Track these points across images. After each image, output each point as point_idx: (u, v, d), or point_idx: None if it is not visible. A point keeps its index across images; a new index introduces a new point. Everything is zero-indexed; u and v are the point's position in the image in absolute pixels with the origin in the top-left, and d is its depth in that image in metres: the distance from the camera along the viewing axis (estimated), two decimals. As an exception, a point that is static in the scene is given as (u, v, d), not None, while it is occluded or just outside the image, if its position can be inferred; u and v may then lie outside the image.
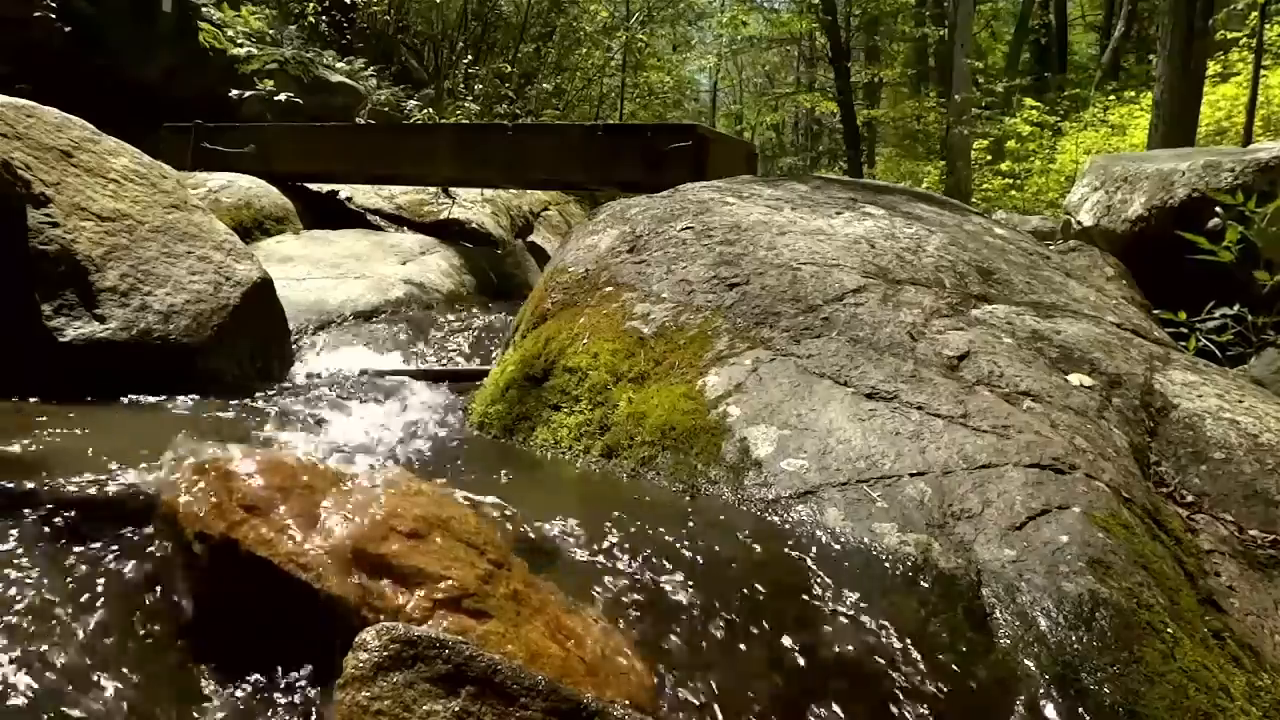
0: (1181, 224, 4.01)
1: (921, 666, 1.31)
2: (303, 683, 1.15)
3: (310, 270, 4.60)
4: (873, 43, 19.92)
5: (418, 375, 3.30)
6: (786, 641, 1.32)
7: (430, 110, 9.09)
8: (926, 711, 1.25)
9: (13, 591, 1.23)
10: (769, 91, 23.67)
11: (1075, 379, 2.02)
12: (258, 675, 1.16)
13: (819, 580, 1.46)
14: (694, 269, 2.41)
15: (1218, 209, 3.56)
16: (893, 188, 3.73)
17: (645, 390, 2.10)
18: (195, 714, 1.12)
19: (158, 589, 1.26)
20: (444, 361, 3.90)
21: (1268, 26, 8.59)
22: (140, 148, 3.21)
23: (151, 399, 2.51)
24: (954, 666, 1.33)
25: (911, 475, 1.67)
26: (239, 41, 7.34)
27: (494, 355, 3.47)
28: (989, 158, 14.79)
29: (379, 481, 1.37)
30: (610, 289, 2.45)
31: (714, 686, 1.23)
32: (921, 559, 1.50)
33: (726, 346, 2.12)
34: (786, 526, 1.62)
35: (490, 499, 1.55)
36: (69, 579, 1.27)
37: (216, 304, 2.88)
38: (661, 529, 1.54)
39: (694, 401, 1.98)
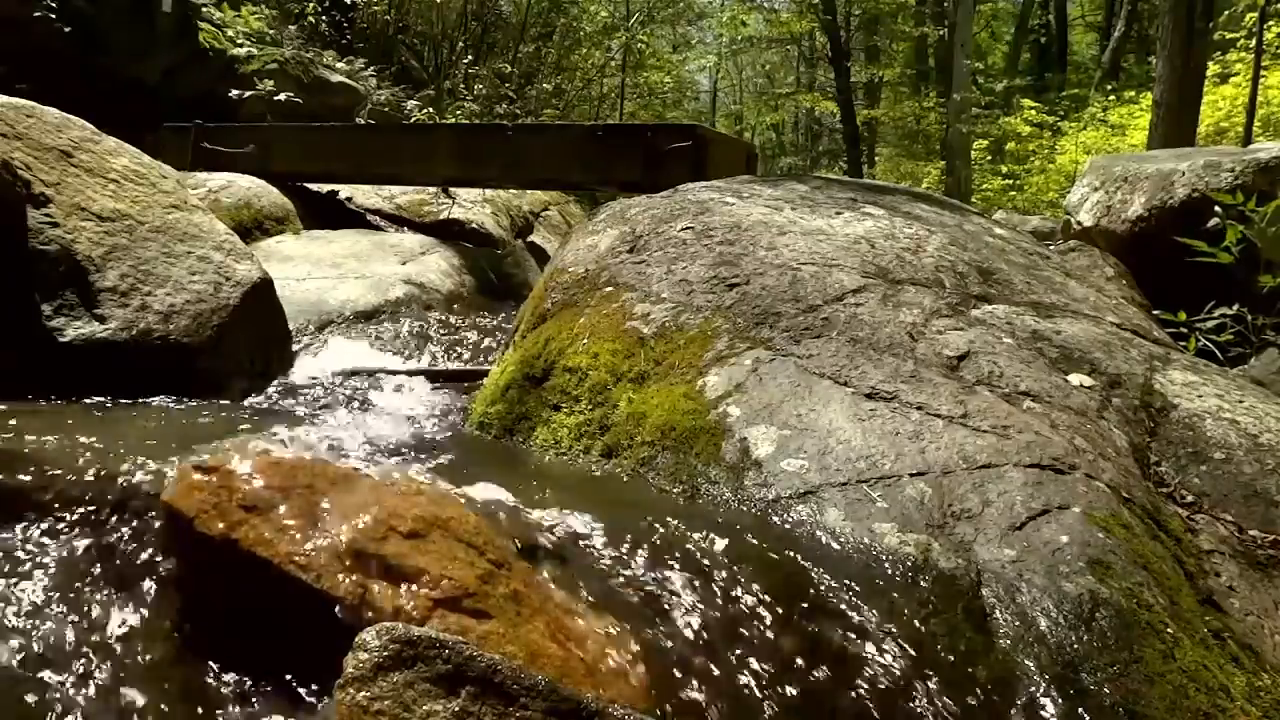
0: (1181, 224, 4.00)
1: (921, 666, 1.31)
2: (302, 683, 1.15)
3: (310, 270, 4.60)
4: (873, 42, 19.92)
5: (417, 375, 3.30)
6: (786, 642, 1.32)
7: (430, 110, 9.09)
8: (927, 711, 1.25)
9: (12, 591, 1.23)
10: (769, 91, 23.66)
11: (1075, 379, 2.02)
12: (257, 675, 1.16)
13: (819, 580, 1.46)
14: (694, 269, 2.41)
15: (1216, 208, 3.55)
16: (893, 188, 3.73)
17: (645, 390, 2.10)
18: (194, 714, 1.12)
19: (157, 589, 1.26)
20: (444, 361, 3.90)
21: (1267, 27, 8.59)
22: (140, 148, 3.21)
23: (151, 399, 2.51)
24: (954, 666, 1.33)
25: (911, 475, 1.67)
26: (239, 41, 7.34)
27: (494, 355, 3.48)
28: (989, 158, 14.80)
29: (379, 481, 1.37)
30: (610, 289, 2.45)
31: (713, 687, 1.23)
32: (921, 559, 1.50)
33: (726, 346, 2.12)
34: (787, 527, 1.62)
35: (490, 499, 1.55)
36: (68, 578, 1.27)
37: (216, 304, 2.88)
38: (661, 529, 1.54)
39: (694, 401, 1.98)
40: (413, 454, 2.16)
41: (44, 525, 1.36)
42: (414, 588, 1.18)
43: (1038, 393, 1.93)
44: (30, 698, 1.10)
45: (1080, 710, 1.27)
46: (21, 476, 1.47)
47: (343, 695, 0.99)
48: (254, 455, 1.33)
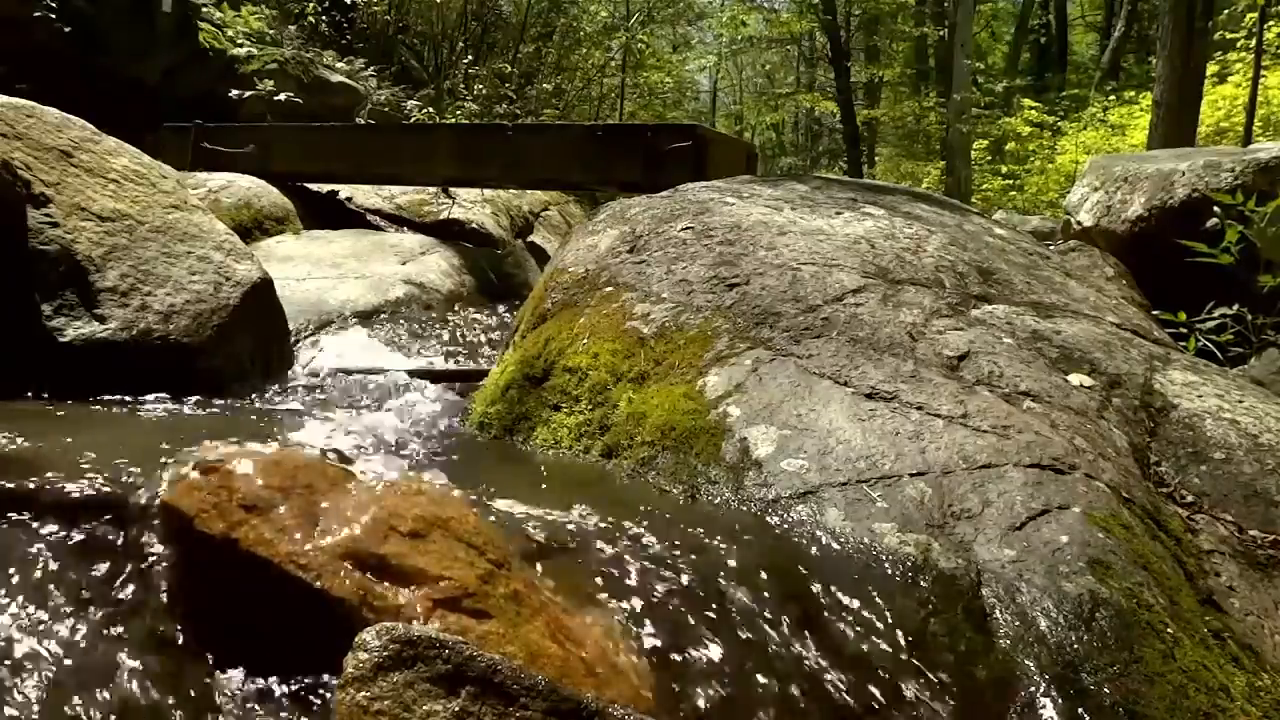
0: (1181, 224, 4.00)
1: (921, 667, 1.31)
2: (302, 683, 1.15)
3: (310, 270, 4.60)
4: (873, 42, 19.92)
5: (417, 375, 3.30)
6: (786, 641, 1.32)
7: (430, 110, 9.09)
8: (927, 712, 1.25)
9: (12, 592, 1.23)
10: (769, 91, 23.66)
11: (1075, 379, 2.02)
12: (257, 675, 1.16)
13: (819, 580, 1.46)
14: (694, 269, 2.41)
15: (1216, 208, 3.55)
16: (893, 188, 3.73)
17: (645, 390, 2.10)
18: (194, 714, 1.12)
19: (157, 589, 1.26)
20: (444, 361, 3.90)
21: (1267, 27, 8.59)
22: (140, 148, 3.21)
23: (152, 399, 2.51)
24: (954, 666, 1.33)
25: (911, 475, 1.67)
26: (239, 41, 7.33)
27: (494, 355, 3.48)
28: (989, 158, 14.81)
29: (379, 481, 1.37)
30: (610, 289, 2.45)
31: (713, 686, 1.23)
32: (921, 559, 1.50)
33: (726, 346, 2.12)
34: (787, 527, 1.62)
35: (490, 499, 1.55)
36: (68, 579, 1.27)
37: (216, 304, 2.88)
38: (661, 529, 1.54)
39: (694, 401, 1.98)
40: (413, 454, 2.16)
41: (43, 525, 1.36)
42: (414, 588, 1.18)
43: (1038, 393, 1.93)
44: (29, 699, 1.10)
45: (1080, 710, 1.27)
46: (21, 476, 1.47)
47: (343, 695, 0.99)
48: (254, 455, 1.33)
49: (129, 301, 2.68)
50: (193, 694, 1.15)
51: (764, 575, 1.45)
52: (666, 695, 1.20)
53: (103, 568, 1.29)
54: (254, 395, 2.90)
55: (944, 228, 2.74)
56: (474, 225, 6.74)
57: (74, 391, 2.42)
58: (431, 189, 6.81)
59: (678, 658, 1.26)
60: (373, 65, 9.31)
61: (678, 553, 1.47)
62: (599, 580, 1.38)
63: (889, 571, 1.48)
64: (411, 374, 3.31)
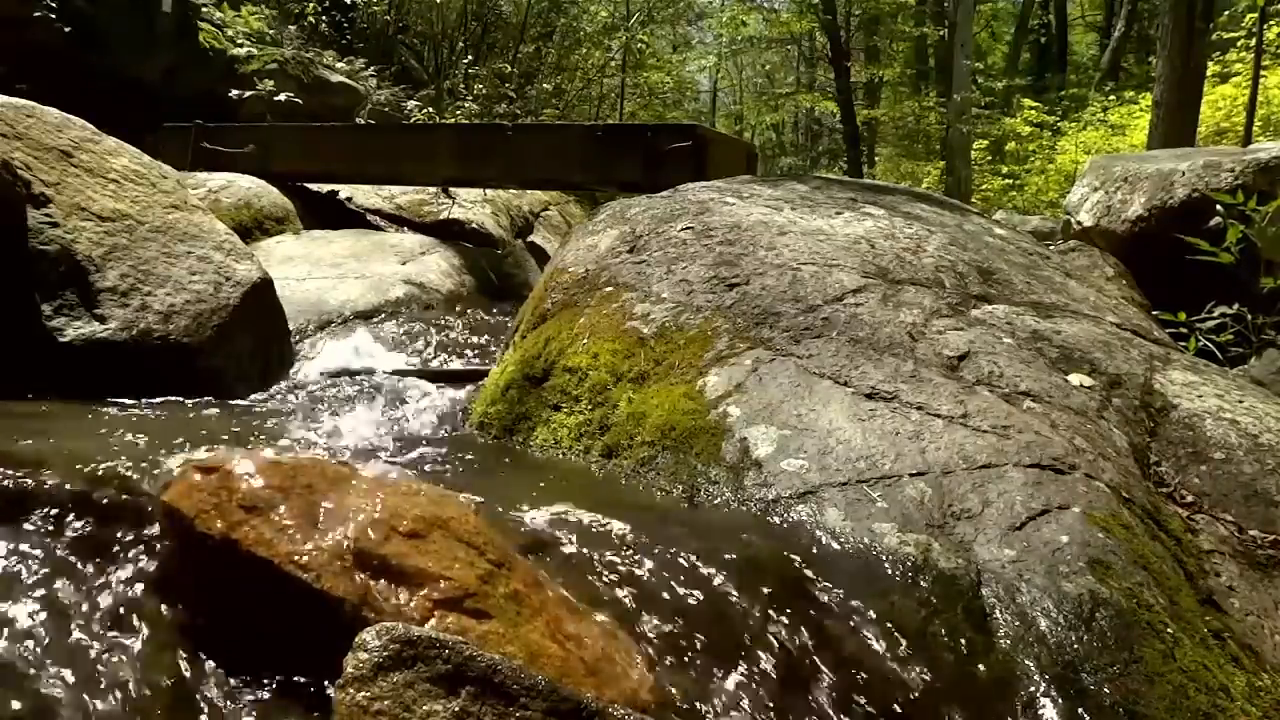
0: (1181, 224, 4.01)
1: (922, 667, 1.31)
2: (302, 683, 1.15)
3: (310, 270, 4.60)
4: (873, 42, 19.91)
5: (417, 375, 3.30)
6: (787, 642, 1.32)
7: (430, 110, 9.09)
8: (927, 712, 1.25)
9: (12, 592, 1.23)
10: (769, 91, 23.65)
11: (1075, 379, 2.02)
12: (257, 675, 1.16)
13: (819, 580, 1.46)
14: (694, 269, 2.41)
15: (1218, 208, 3.56)
16: (893, 188, 3.72)
17: (645, 390, 2.10)
18: (195, 714, 1.12)
19: (157, 589, 1.26)
20: (444, 361, 3.90)
21: (1267, 27, 8.59)
22: (140, 148, 3.21)
23: (151, 399, 2.51)
24: (954, 666, 1.33)
25: (911, 475, 1.67)
26: (239, 41, 7.34)
27: (494, 355, 3.48)
28: (989, 158, 14.81)
29: (379, 481, 1.37)
30: (610, 289, 2.45)
31: (714, 687, 1.23)
32: (921, 559, 1.50)
33: (726, 346, 2.12)
34: (786, 527, 1.62)
35: (490, 499, 1.55)
36: (68, 579, 1.27)
37: (216, 304, 2.88)
38: (661, 529, 1.54)
39: (694, 401, 1.98)
40: (413, 454, 2.16)
41: (42, 525, 1.36)
42: (414, 588, 1.18)
43: (1038, 393, 1.93)
44: (28, 698, 1.10)
45: (1080, 710, 1.27)
46: (20, 476, 1.47)
47: (343, 695, 0.99)
48: (254, 455, 1.33)
49: (129, 301, 2.68)
50: (191, 694, 1.15)
51: (764, 576, 1.45)
52: (666, 695, 1.20)
53: (102, 568, 1.29)
54: (254, 395, 2.90)
55: (944, 228, 2.74)
56: (474, 225, 6.74)
57: (74, 391, 2.42)
58: (431, 189, 6.82)
59: (677, 658, 1.26)
60: (373, 65, 9.31)
61: (677, 553, 1.47)
62: (599, 580, 1.38)
63: (889, 571, 1.48)
64: (411, 374, 3.31)
